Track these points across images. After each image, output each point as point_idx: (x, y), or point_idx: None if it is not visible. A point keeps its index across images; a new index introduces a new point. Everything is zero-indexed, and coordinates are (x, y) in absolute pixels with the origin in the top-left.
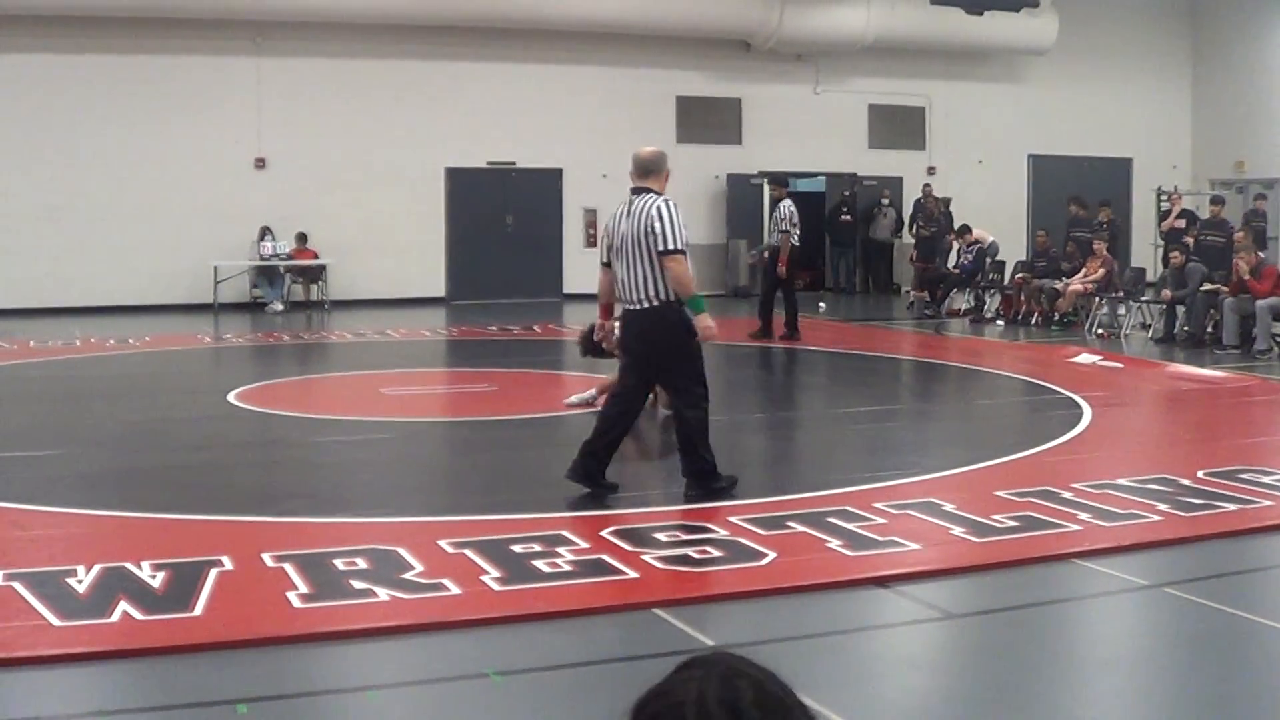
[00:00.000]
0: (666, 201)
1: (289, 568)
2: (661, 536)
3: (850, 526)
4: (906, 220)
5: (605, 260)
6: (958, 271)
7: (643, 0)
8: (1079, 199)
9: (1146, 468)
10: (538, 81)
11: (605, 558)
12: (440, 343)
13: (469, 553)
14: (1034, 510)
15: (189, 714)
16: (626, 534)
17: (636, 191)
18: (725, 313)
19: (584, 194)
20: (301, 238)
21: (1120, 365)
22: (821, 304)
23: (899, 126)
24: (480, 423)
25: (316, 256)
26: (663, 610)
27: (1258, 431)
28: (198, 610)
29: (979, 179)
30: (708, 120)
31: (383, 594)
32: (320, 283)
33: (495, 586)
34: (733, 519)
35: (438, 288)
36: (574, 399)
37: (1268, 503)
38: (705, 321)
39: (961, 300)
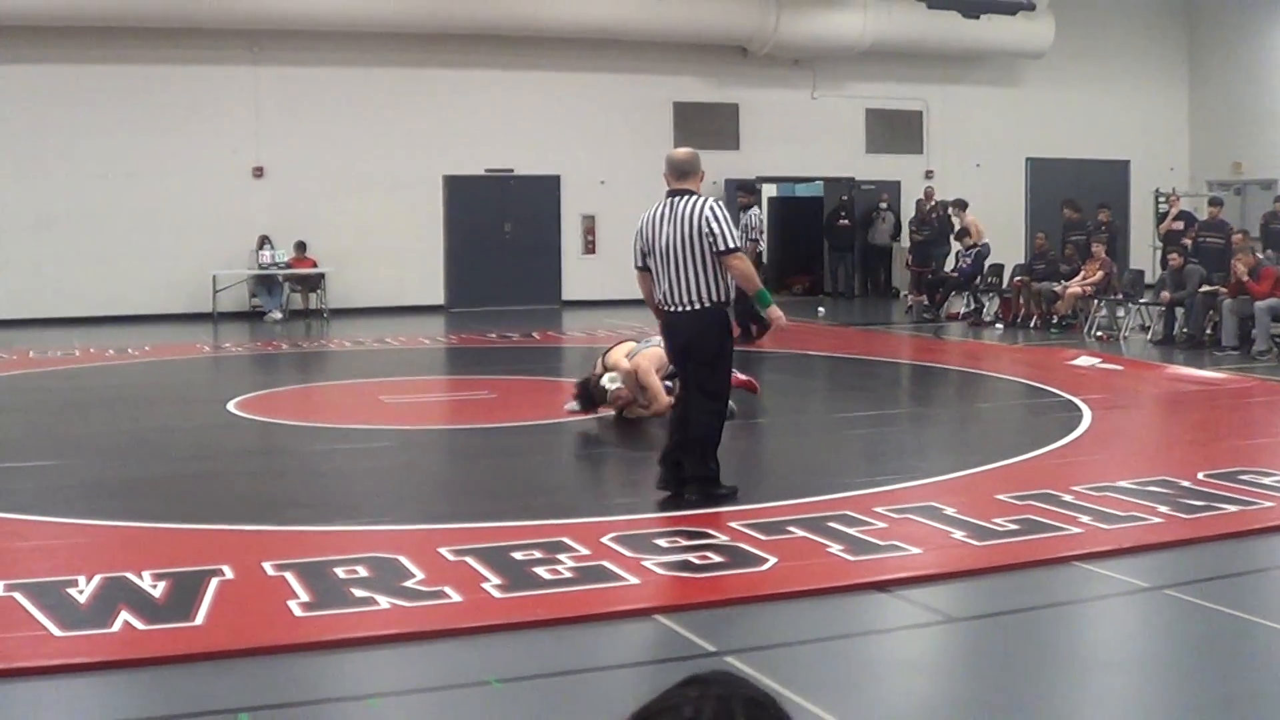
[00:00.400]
0: (715, 201)
1: (290, 576)
2: (662, 542)
3: (851, 531)
4: (905, 224)
5: (640, 265)
6: (956, 275)
7: (640, 6)
8: (1072, 202)
9: (1147, 470)
10: (535, 88)
11: (606, 564)
12: (439, 350)
13: (470, 560)
14: (1034, 513)
15: None
16: (627, 540)
17: (674, 194)
18: None
19: (582, 200)
20: (300, 246)
21: (1119, 367)
22: (821, 309)
23: (896, 131)
24: (480, 430)
25: (315, 265)
26: (664, 616)
27: (1258, 433)
28: (199, 620)
29: (977, 182)
30: (705, 126)
31: (384, 602)
32: (319, 291)
33: (496, 594)
34: (733, 524)
35: (436, 295)
36: (573, 405)
37: (1268, 504)
38: (775, 312)
39: (960, 303)
